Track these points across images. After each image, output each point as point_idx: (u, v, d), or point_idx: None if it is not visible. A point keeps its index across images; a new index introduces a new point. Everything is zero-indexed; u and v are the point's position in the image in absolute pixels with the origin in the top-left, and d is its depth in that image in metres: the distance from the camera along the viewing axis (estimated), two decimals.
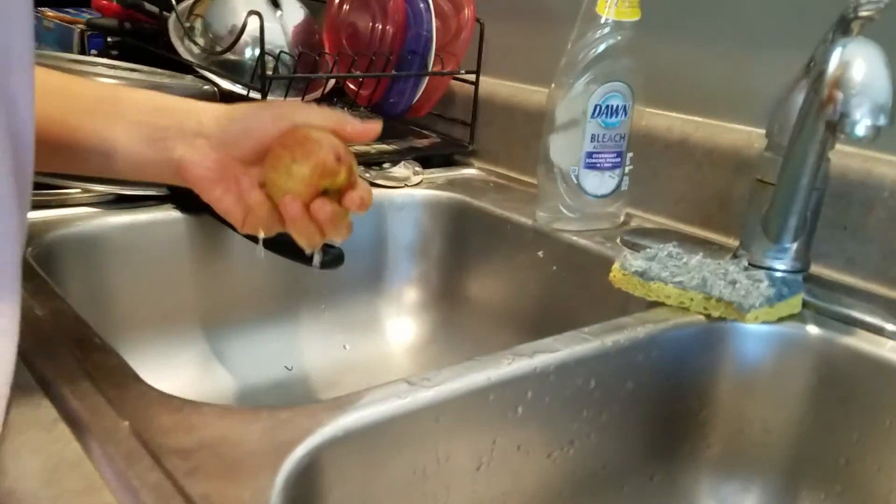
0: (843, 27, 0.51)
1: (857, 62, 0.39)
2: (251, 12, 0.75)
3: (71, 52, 1.01)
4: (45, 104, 0.41)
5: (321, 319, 0.80)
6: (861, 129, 0.39)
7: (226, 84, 0.85)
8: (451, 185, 0.85)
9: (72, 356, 0.43)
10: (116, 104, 0.47)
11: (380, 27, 0.89)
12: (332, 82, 0.95)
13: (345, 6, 0.93)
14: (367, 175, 0.82)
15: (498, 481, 0.47)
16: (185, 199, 0.70)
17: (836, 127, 0.40)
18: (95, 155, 0.46)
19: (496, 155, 0.92)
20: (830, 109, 0.40)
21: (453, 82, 0.92)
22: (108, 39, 1.05)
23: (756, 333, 0.54)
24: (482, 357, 0.46)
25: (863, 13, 0.50)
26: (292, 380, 0.76)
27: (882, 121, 0.39)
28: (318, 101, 0.94)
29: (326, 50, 0.93)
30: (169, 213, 0.69)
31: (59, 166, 0.49)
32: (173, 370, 0.70)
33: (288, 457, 0.35)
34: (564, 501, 0.50)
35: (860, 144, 0.61)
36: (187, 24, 0.89)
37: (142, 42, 0.96)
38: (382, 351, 0.81)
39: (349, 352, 0.80)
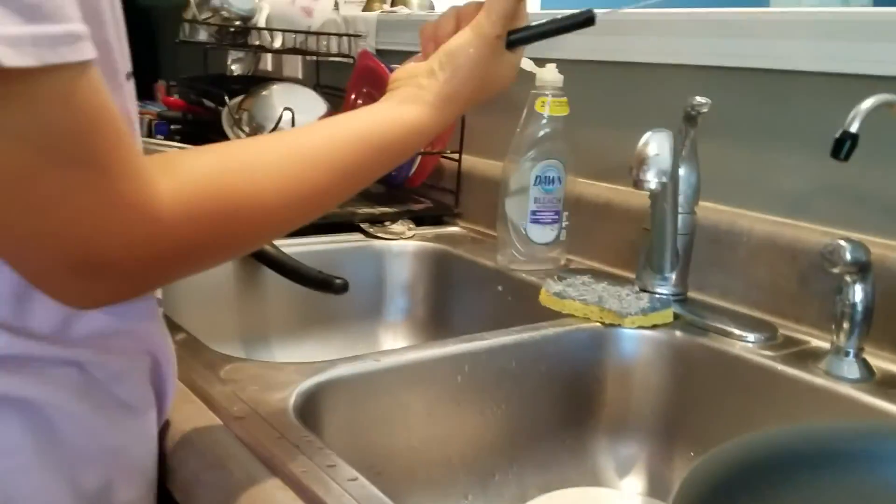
0: (690, 120, 0.75)
1: (650, 144, 0.62)
2: (285, 108, 1.01)
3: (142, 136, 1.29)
4: None
5: (331, 342, 1.02)
6: (651, 185, 0.62)
7: None
8: (437, 239, 1.08)
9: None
10: None
11: None
12: None
13: (358, 101, 1.19)
14: (371, 230, 1.06)
15: (443, 426, 0.68)
16: None
17: (637, 184, 0.63)
18: None
19: (476, 216, 1.15)
20: (634, 173, 0.63)
21: (442, 159, 1.17)
22: (171, 127, 1.33)
23: (635, 335, 0.75)
24: (435, 341, 0.68)
25: (700, 111, 0.73)
26: None
27: (663, 179, 0.62)
28: None
29: None
30: None
31: None
32: None
33: (301, 384, 0.58)
34: (495, 449, 0.71)
35: (723, 201, 0.84)
36: (237, 116, 1.15)
37: (200, 129, 1.23)
38: None
39: None
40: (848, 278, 0.63)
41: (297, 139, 0.47)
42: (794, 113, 0.79)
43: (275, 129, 1.06)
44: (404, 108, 0.52)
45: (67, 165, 0.34)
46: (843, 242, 0.62)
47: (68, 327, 0.41)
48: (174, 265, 0.40)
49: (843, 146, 0.54)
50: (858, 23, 0.72)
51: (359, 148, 0.48)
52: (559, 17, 0.58)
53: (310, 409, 0.58)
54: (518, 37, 0.57)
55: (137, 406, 0.47)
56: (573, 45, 0.91)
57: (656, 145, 0.63)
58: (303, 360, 1.02)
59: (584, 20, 0.57)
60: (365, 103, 1.19)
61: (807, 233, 0.76)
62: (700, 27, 0.85)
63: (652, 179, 0.63)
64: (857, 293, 0.63)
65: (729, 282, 0.83)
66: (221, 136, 1.15)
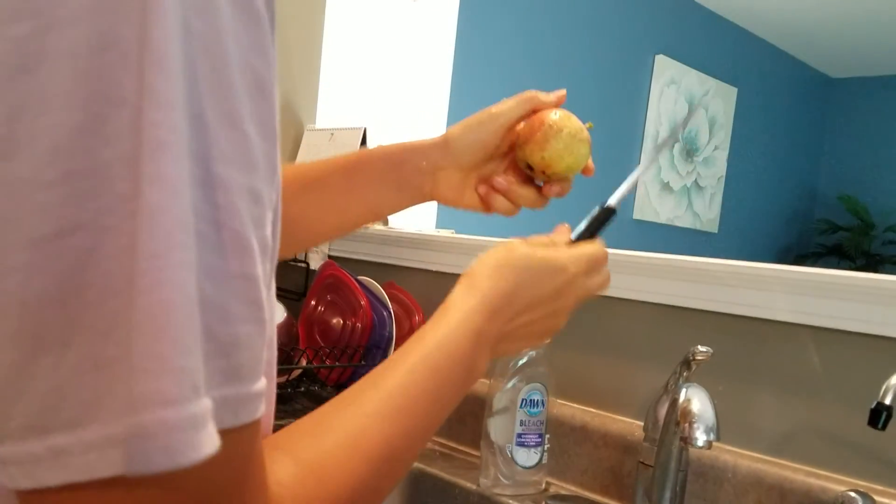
0: (686, 364, 0.81)
1: (693, 400, 0.67)
2: None
3: None
4: (311, 194, 0.59)
5: None
6: (700, 442, 0.66)
7: None
8: None
9: None
10: (361, 171, 0.63)
11: (350, 324, 1.14)
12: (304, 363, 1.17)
13: (319, 307, 1.19)
14: None
15: None
16: None
17: (686, 439, 0.67)
18: (363, 214, 0.64)
19: (438, 428, 1.14)
20: (682, 428, 0.67)
21: None
22: None
23: None
24: None
25: (698, 358, 0.79)
26: None
27: (712, 436, 0.66)
28: (289, 382, 1.15)
29: (300, 343, 1.17)
30: None
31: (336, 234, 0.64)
32: None
33: None
34: None
35: None
36: None
37: None
38: None
39: None
40: None
41: (389, 404, 0.44)
42: (772, 357, 0.87)
43: None
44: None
45: None
46: (853, 494, 0.67)
47: None
48: None
49: (880, 417, 0.60)
50: (829, 284, 0.83)
51: (443, 377, 0.48)
52: (586, 221, 0.60)
53: None
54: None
55: None
56: None
57: (698, 402, 0.67)
58: None
59: (609, 216, 0.60)
60: (327, 311, 1.19)
61: (791, 472, 0.82)
62: (671, 272, 0.94)
63: (701, 437, 0.67)
64: None
65: None
66: None
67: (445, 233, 1.29)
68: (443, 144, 0.63)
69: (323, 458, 0.39)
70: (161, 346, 0.26)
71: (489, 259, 0.53)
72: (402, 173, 0.63)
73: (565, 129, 0.61)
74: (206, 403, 0.28)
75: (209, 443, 0.28)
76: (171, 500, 0.28)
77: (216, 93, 0.29)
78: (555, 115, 0.61)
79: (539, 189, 0.65)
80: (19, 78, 0.26)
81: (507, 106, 0.63)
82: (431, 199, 0.66)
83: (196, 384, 0.27)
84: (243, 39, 0.30)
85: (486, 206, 0.65)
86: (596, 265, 0.57)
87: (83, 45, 0.26)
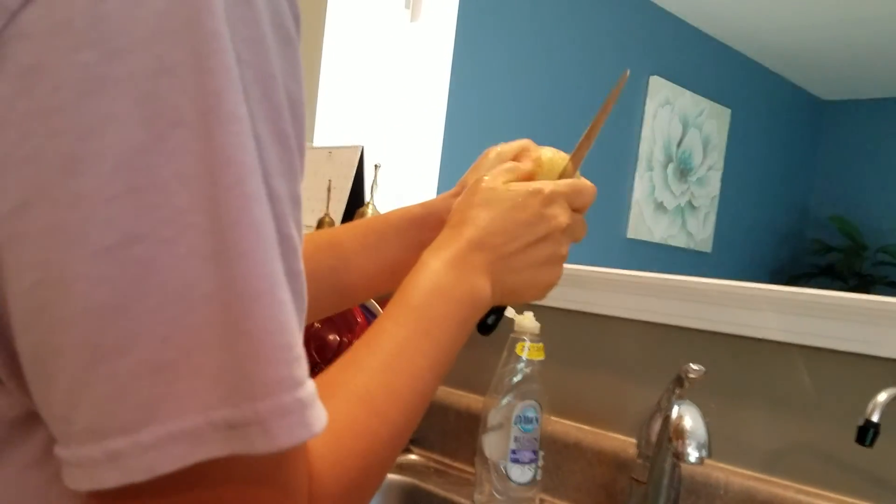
0: (679, 382, 0.82)
1: (686, 417, 0.68)
2: None
3: None
4: (328, 258, 0.59)
5: None
6: (692, 458, 0.67)
7: None
8: (398, 468, 1.06)
9: None
10: (376, 230, 0.62)
11: (346, 341, 1.15)
12: None
13: (315, 324, 1.19)
14: None
15: None
16: None
17: (679, 455, 0.68)
18: (382, 274, 0.62)
19: (432, 444, 1.15)
20: (674, 445, 0.68)
21: None
22: None
23: None
24: None
25: (690, 376, 0.81)
26: None
27: (704, 453, 0.68)
28: None
29: None
30: None
31: (351, 304, 0.63)
32: None
33: None
34: None
35: None
36: None
37: None
38: None
39: None
40: None
41: (395, 357, 0.46)
42: (763, 376, 0.89)
43: None
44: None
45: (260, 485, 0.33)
46: None
47: None
48: None
49: (867, 434, 0.61)
50: (819, 304, 0.84)
51: (445, 328, 0.50)
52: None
53: None
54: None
55: None
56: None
57: (691, 419, 0.69)
58: None
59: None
60: (323, 327, 1.19)
61: (781, 489, 0.83)
62: (665, 291, 0.96)
63: (693, 453, 0.68)
64: None
65: None
66: None
67: None
68: (462, 191, 0.63)
69: (336, 418, 0.41)
70: (286, 338, 0.31)
71: (460, 204, 0.55)
72: (424, 229, 0.62)
73: (544, 161, 0.63)
74: (312, 382, 0.33)
75: (324, 414, 0.33)
76: (234, 489, 0.31)
77: (268, 115, 0.32)
78: (547, 152, 0.63)
79: None
80: (87, 101, 0.28)
81: (507, 145, 0.65)
82: None
83: (307, 368, 0.32)
84: (282, 63, 0.33)
85: None
86: (577, 189, 0.58)
87: (143, 71, 0.29)
